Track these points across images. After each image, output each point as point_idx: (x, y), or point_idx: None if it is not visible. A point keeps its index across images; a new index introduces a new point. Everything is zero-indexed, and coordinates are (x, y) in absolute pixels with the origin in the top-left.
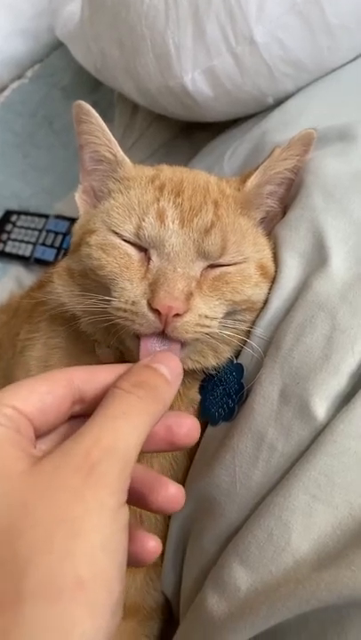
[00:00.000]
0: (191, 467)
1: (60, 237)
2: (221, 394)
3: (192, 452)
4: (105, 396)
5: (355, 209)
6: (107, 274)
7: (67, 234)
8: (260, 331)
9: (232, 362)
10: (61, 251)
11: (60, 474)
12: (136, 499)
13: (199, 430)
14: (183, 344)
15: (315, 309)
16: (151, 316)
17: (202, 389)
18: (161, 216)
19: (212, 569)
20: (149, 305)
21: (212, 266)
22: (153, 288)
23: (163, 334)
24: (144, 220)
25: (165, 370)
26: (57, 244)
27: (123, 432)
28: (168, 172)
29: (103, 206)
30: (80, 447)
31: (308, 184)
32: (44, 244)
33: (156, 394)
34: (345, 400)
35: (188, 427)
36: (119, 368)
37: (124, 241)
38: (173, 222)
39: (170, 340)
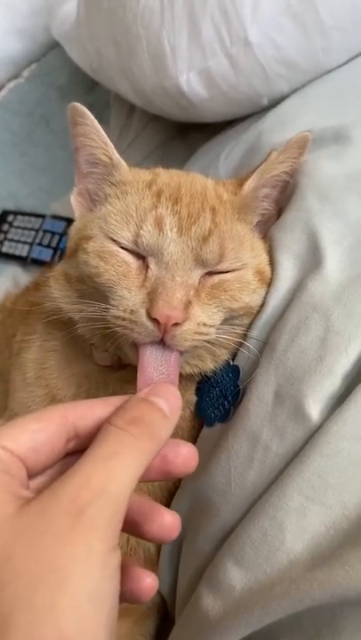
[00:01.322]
0: None
1: (56, 238)
2: (217, 395)
3: None
4: (98, 434)
5: (350, 210)
6: (104, 282)
7: (63, 234)
8: (256, 332)
9: (229, 363)
10: (58, 251)
11: (47, 518)
12: (130, 527)
13: (197, 458)
14: (182, 351)
15: (309, 311)
16: (150, 325)
17: (198, 391)
18: (159, 224)
19: (207, 568)
20: (148, 314)
21: (211, 273)
22: (152, 297)
23: (161, 342)
24: (142, 228)
25: (164, 404)
26: (53, 244)
27: (114, 473)
28: (165, 176)
29: (100, 211)
30: (69, 489)
31: (302, 186)
32: (40, 245)
33: (152, 431)
34: (339, 401)
35: (184, 456)
36: (116, 401)
37: (122, 248)
38: (172, 230)
39: (168, 348)
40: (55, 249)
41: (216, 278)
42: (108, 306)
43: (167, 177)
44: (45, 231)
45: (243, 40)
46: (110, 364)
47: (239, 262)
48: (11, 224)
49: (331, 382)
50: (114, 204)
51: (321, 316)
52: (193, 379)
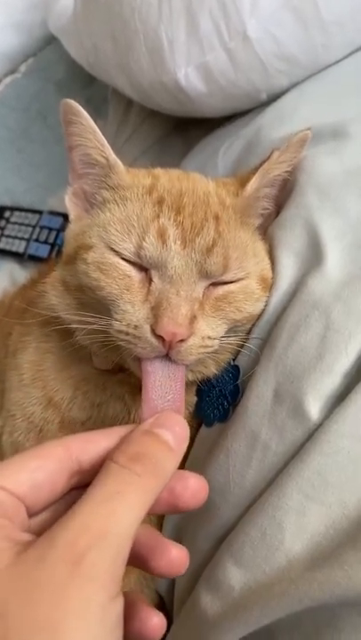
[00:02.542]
0: (185, 467)
1: (53, 233)
2: (217, 395)
3: (186, 452)
4: (100, 471)
5: (350, 207)
6: (106, 295)
7: (60, 230)
8: (257, 331)
9: (229, 363)
10: (55, 247)
11: (44, 567)
12: (137, 562)
13: (207, 490)
14: (187, 365)
15: (309, 308)
16: (155, 341)
17: (198, 391)
18: (162, 236)
19: (205, 568)
20: (153, 330)
21: (214, 284)
22: (156, 313)
23: (166, 356)
24: (145, 240)
25: (169, 436)
26: (51, 240)
27: (115, 515)
28: (165, 180)
29: (98, 218)
30: (66, 535)
31: (302, 183)
32: (37, 241)
33: (156, 468)
34: (339, 399)
35: (193, 489)
36: (119, 431)
37: (123, 259)
38: (175, 243)
39: (173, 362)
40: (52, 245)
41: (220, 290)
42: (110, 320)
43: (167, 181)
44: (42, 227)
45: (241, 34)
46: (110, 367)
47: (243, 272)
48: (8, 220)
49: (331, 380)
50: (113, 211)
51: (321, 313)
52: (195, 382)
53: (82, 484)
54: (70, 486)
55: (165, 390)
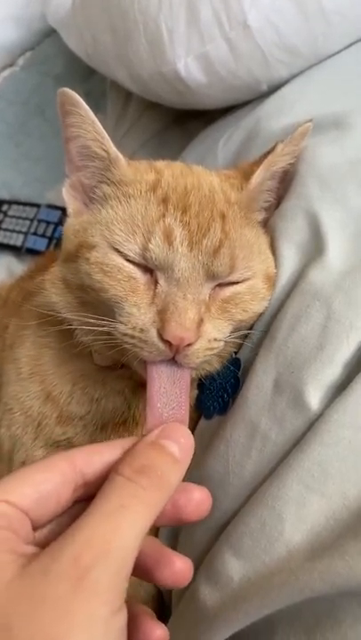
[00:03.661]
0: None
1: (51, 227)
2: (218, 387)
3: None
4: (104, 484)
5: (351, 197)
6: (110, 297)
7: (58, 223)
8: (259, 323)
9: (231, 356)
10: (53, 240)
11: (48, 582)
12: (141, 573)
13: (210, 503)
14: (193, 367)
15: (310, 299)
16: (161, 345)
17: (199, 384)
18: (168, 237)
19: (204, 559)
20: (159, 335)
21: (221, 285)
22: (162, 317)
23: (172, 360)
24: (150, 242)
25: (175, 447)
26: (48, 233)
27: (120, 530)
28: (169, 175)
29: (100, 214)
30: (70, 549)
31: (303, 173)
32: (35, 234)
33: (162, 481)
34: (339, 390)
35: (196, 501)
36: (123, 443)
37: (128, 261)
38: (182, 244)
39: (179, 365)
40: (50, 238)
41: (227, 291)
42: (115, 322)
43: (172, 177)
44: (40, 220)
45: (242, 24)
46: (110, 364)
47: (249, 271)
48: (5, 213)
49: (331, 371)
50: (116, 209)
51: (322, 303)
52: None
53: (86, 496)
54: (74, 499)
55: (170, 398)
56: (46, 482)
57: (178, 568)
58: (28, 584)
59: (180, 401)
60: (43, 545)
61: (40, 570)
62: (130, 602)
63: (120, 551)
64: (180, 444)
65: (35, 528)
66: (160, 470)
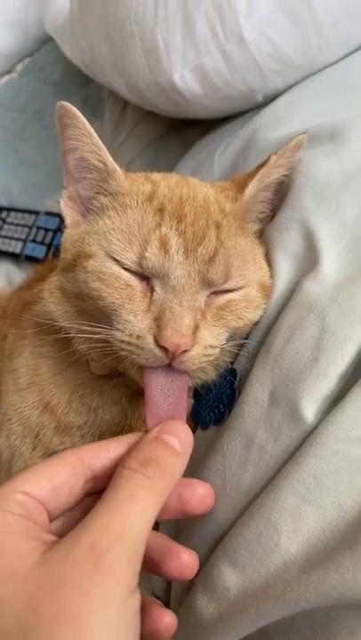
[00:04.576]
0: None
1: (50, 234)
2: (214, 397)
3: None
4: (113, 477)
5: (346, 209)
6: (108, 305)
7: (57, 230)
8: (255, 334)
9: (227, 366)
10: (52, 248)
11: (68, 567)
12: (150, 566)
13: (213, 497)
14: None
15: (305, 311)
16: (158, 352)
17: (195, 394)
18: (165, 245)
19: (201, 569)
20: (156, 341)
21: (216, 292)
22: (159, 324)
23: (168, 365)
24: (147, 250)
25: (176, 442)
26: (47, 240)
27: (130, 517)
28: (164, 186)
29: (97, 224)
30: (87, 537)
31: (298, 185)
32: (34, 241)
33: (165, 470)
34: (334, 402)
35: (200, 495)
36: (129, 439)
37: (124, 269)
38: (178, 252)
39: (176, 370)
40: (49, 246)
41: (222, 299)
42: (112, 330)
43: (167, 188)
44: (39, 228)
45: (237, 36)
46: (108, 372)
47: (244, 279)
48: (4, 220)
49: (326, 383)
50: (113, 219)
51: (317, 316)
52: (194, 386)
53: (95, 489)
54: (85, 492)
55: (168, 399)
56: (59, 474)
57: (184, 560)
58: (49, 569)
59: (179, 403)
60: (59, 535)
61: (60, 557)
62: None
63: (132, 536)
64: (180, 438)
65: (50, 519)
66: (163, 462)
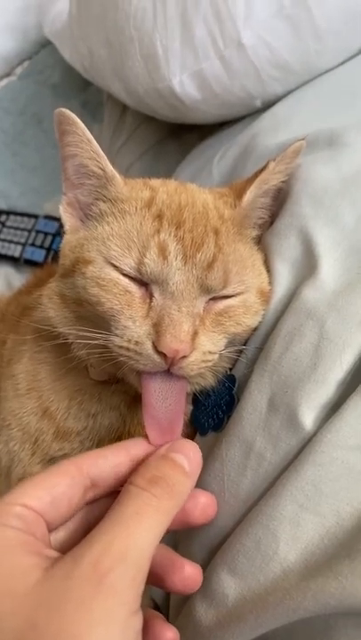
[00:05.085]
0: None
1: (49, 238)
2: (212, 404)
3: None
4: (120, 494)
5: (344, 216)
6: (106, 310)
7: (56, 234)
8: (254, 340)
9: (226, 373)
10: (51, 251)
11: (70, 585)
12: (153, 580)
13: (215, 507)
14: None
15: (303, 318)
16: (157, 357)
17: (194, 400)
18: (163, 251)
19: None
20: (155, 347)
21: (214, 298)
22: (158, 329)
23: (167, 371)
24: (146, 256)
25: (184, 461)
26: (47, 244)
27: (135, 536)
28: (163, 193)
29: (96, 231)
30: (90, 555)
31: (296, 191)
32: (33, 245)
33: (173, 490)
34: (333, 409)
35: (203, 505)
36: (127, 445)
37: (123, 275)
38: (176, 258)
39: (174, 376)
40: (48, 249)
41: (221, 305)
42: (111, 335)
43: (166, 194)
44: (38, 231)
45: (236, 42)
46: (106, 379)
47: (243, 285)
48: (3, 224)
49: (325, 390)
50: (112, 225)
51: (315, 322)
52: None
53: (95, 498)
54: (85, 502)
55: (166, 396)
56: (58, 485)
57: (187, 573)
58: (51, 586)
59: (177, 406)
60: (59, 547)
61: (62, 574)
62: (141, 606)
63: (136, 555)
64: (189, 457)
65: (49, 530)
66: (171, 481)
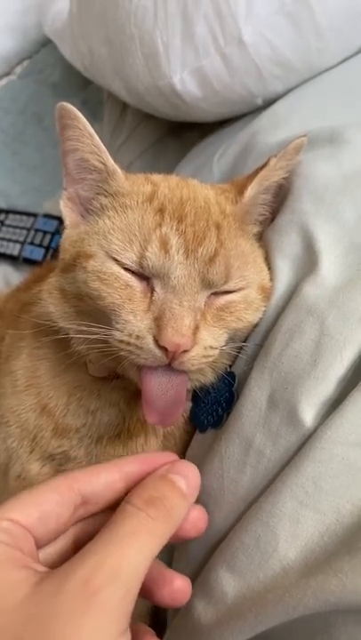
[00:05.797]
0: None
1: (48, 236)
2: (212, 401)
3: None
4: (116, 512)
5: (345, 213)
6: (107, 304)
7: (55, 233)
8: (254, 336)
9: (225, 369)
10: (50, 250)
11: (59, 601)
12: (141, 592)
13: (206, 520)
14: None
15: (304, 314)
16: (158, 352)
17: (193, 397)
18: (165, 245)
19: (199, 574)
20: (156, 341)
21: (216, 293)
22: (159, 324)
23: (168, 366)
24: (147, 250)
25: (183, 483)
26: (46, 243)
27: (128, 556)
28: (165, 187)
29: (97, 225)
30: (82, 571)
31: (297, 188)
32: (32, 244)
33: (169, 512)
34: (333, 406)
35: (193, 519)
36: (121, 463)
37: (125, 269)
38: (178, 252)
39: (174, 371)
40: (47, 248)
41: (222, 300)
42: (111, 330)
43: (167, 188)
44: (37, 230)
45: (237, 39)
46: (106, 375)
47: (244, 281)
48: (2, 222)
49: (325, 387)
50: (113, 219)
51: (316, 319)
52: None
53: (86, 515)
54: (75, 519)
55: (166, 389)
56: (47, 502)
57: (176, 587)
58: (40, 601)
59: (177, 399)
60: (48, 564)
61: (52, 590)
62: (131, 621)
63: (128, 575)
64: (188, 479)
65: (38, 547)
66: (169, 503)
